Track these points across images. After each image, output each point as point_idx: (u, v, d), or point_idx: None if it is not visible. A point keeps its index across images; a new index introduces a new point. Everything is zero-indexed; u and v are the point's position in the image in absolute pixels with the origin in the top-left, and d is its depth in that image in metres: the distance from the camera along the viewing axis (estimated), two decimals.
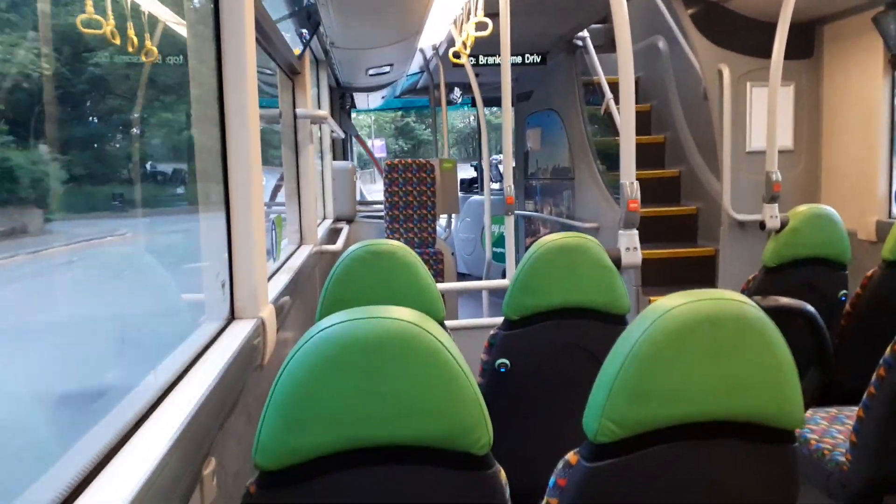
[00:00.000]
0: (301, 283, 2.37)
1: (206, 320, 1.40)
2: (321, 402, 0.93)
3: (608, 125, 4.94)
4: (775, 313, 1.12)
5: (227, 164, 1.46)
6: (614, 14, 2.23)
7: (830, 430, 2.04)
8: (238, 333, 1.35)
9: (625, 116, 2.22)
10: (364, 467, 0.97)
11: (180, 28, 1.91)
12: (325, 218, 4.28)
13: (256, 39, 1.69)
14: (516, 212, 4.75)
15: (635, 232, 2.17)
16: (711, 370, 1.01)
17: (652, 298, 4.11)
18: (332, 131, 4.14)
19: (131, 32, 2.04)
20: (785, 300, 1.73)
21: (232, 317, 1.46)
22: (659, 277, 4.22)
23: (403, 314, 0.97)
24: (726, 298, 1.02)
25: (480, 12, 3.12)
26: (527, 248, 6.35)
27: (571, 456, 1.07)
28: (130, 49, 1.97)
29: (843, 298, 2.55)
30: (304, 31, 2.71)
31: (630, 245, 2.12)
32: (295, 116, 2.81)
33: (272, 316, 1.56)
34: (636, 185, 2.15)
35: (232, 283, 1.47)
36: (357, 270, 1.73)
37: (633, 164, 2.17)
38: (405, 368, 0.94)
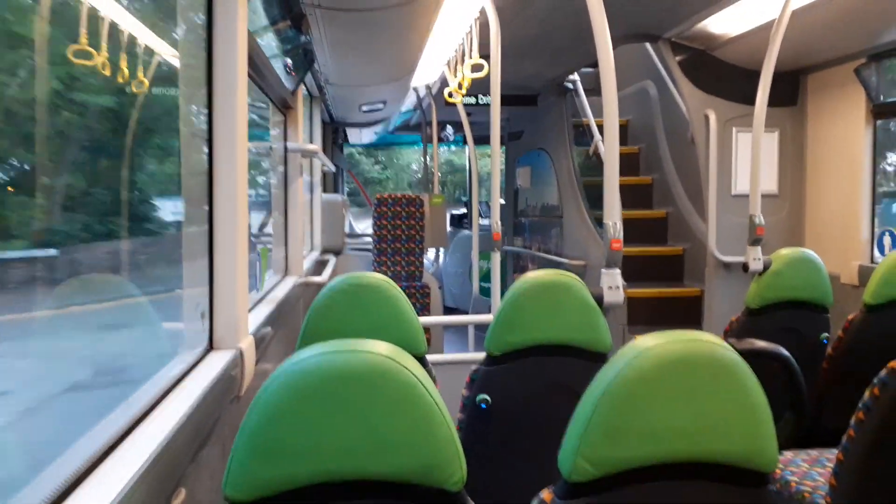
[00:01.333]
0: (284, 314, 2.37)
1: (184, 350, 1.40)
2: (293, 434, 0.93)
3: (597, 166, 5.01)
4: (751, 356, 1.13)
5: (213, 195, 1.47)
6: (600, 59, 2.29)
7: (811, 472, 2.04)
8: (215, 364, 1.35)
9: (609, 158, 2.25)
10: (336, 502, 0.96)
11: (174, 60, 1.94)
12: (312, 249, 4.28)
13: (249, 75, 1.71)
14: (504, 248, 4.78)
15: (618, 271, 2.18)
16: (685, 411, 1.01)
17: (638, 337, 4.11)
18: (324, 165, 4.18)
19: (123, 65, 2.06)
20: (760, 343, 1.74)
21: (210, 347, 1.46)
22: (645, 316, 4.24)
23: (379, 348, 0.97)
24: (701, 340, 1.03)
25: (475, 54, 3.18)
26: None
27: (546, 494, 1.07)
28: (121, 80, 2.00)
29: (825, 341, 2.57)
30: (298, 68, 2.76)
31: (612, 284, 2.14)
32: (286, 150, 2.84)
33: (251, 347, 1.56)
34: (619, 225, 2.18)
35: (212, 314, 1.47)
36: (339, 302, 1.73)
37: (617, 204, 2.20)
38: (379, 402, 0.93)
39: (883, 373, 1.70)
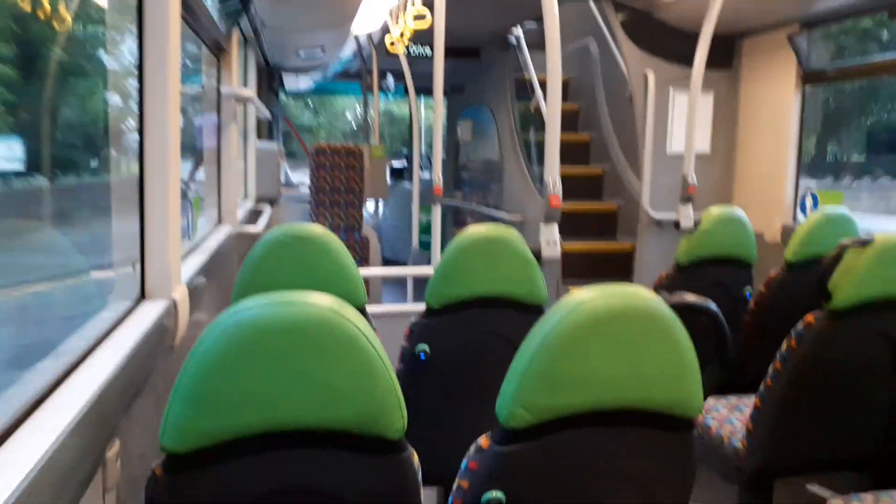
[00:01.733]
0: (218, 265, 2.32)
1: (114, 299, 1.36)
2: (233, 385, 0.92)
3: (537, 122, 5.03)
4: (681, 309, 1.18)
5: (143, 140, 1.41)
6: (545, 14, 2.28)
7: (730, 417, 2.16)
8: (148, 314, 1.32)
9: (551, 114, 2.26)
10: (275, 451, 0.96)
11: None
12: (246, 198, 4.18)
13: (181, 16, 1.63)
14: (444, 202, 4.79)
15: (555, 226, 2.22)
16: (618, 361, 1.06)
17: (572, 289, 4.22)
18: (259, 112, 4.05)
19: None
20: (690, 297, 1.81)
21: (142, 296, 1.42)
22: (579, 270, 4.34)
23: (321, 300, 0.97)
24: (634, 294, 1.07)
25: (419, 2, 3.11)
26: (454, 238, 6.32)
27: (483, 440, 1.10)
28: (41, 16, 1.87)
29: (748, 296, 2.70)
30: (233, 9, 2.64)
31: (550, 239, 2.17)
32: (219, 94, 2.73)
33: (185, 297, 1.52)
34: (559, 181, 2.21)
35: (143, 262, 1.43)
36: (276, 254, 1.70)
37: (556, 161, 2.22)
38: (321, 354, 0.93)
39: (799, 326, 1.80)
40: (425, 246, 4.81)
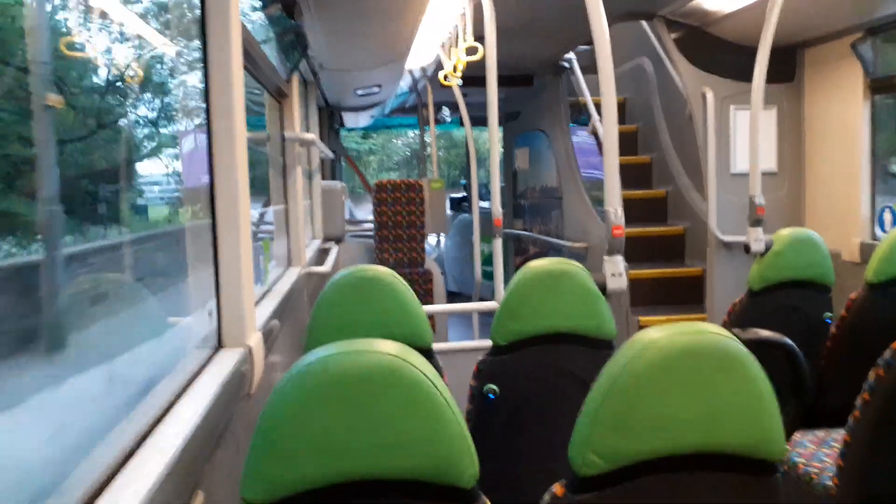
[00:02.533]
0: (290, 307, 2.37)
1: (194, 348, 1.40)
2: (307, 435, 0.93)
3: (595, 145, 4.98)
4: (756, 345, 1.14)
5: (214, 189, 1.46)
6: (595, 39, 2.26)
7: (818, 453, 2.05)
8: (225, 362, 1.35)
9: (609, 141, 2.24)
10: (349, 501, 0.97)
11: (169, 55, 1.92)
12: (313, 238, 4.27)
13: (244, 66, 1.70)
14: (504, 231, 4.78)
15: (620, 258, 2.18)
16: (693, 402, 1.02)
17: (641, 318, 4.13)
18: (322, 152, 4.15)
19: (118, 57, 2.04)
20: (765, 333, 1.75)
21: (219, 345, 1.46)
22: (648, 297, 4.25)
23: (388, 347, 0.97)
24: (707, 332, 1.04)
25: (470, 37, 3.15)
26: (516, 267, 6.33)
27: (557, 488, 1.08)
28: (115, 72, 1.98)
29: (828, 321, 2.58)
30: (292, 55, 2.73)
31: (615, 271, 2.13)
32: (283, 139, 2.82)
33: (259, 343, 1.56)
34: (620, 211, 2.17)
35: (219, 311, 1.47)
36: (344, 296, 1.74)
37: (617, 189, 2.19)
38: (389, 402, 0.94)
39: (887, 354, 1.70)
40: (489, 276, 4.80)
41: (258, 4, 2.38)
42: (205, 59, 1.45)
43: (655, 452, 1.03)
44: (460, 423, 0.98)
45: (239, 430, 1.44)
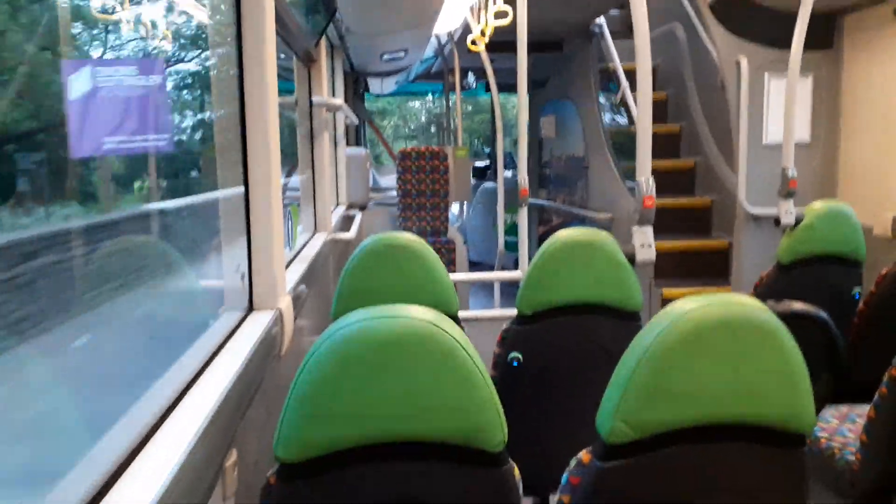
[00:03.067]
0: (316, 272, 2.39)
1: (225, 310, 1.42)
2: (341, 397, 0.95)
3: (624, 114, 4.91)
4: (789, 318, 1.13)
5: (246, 154, 1.47)
6: (632, 3, 2.21)
7: (841, 428, 2.04)
8: (257, 324, 1.37)
9: (642, 110, 2.20)
10: (381, 462, 0.99)
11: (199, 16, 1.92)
12: (338, 205, 4.29)
13: (276, 31, 1.69)
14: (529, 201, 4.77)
15: (650, 229, 2.17)
16: (724, 374, 1.02)
17: (665, 291, 4.11)
18: (347, 117, 4.14)
19: (146, 18, 2.03)
20: (798, 305, 1.73)
21: (251, 308, 1.48)
22: (672, 270, 4.21)
23: (420, 313, 0.99)
24: (740, 303, 1.03)
25: (500, 0, 3.10)
26: (539, 237, 6.31)
27: (584, 455, 1.09)
28: (144, 34, 1.98)
29: (857, 296, 2.54)
30: (321, 18, 2.70)
31: (644, 242, 2.12)
32: (311, 104, 2.81)
33: (290, 306, 1.58)
34: (652, 181, 2.15)
35: (251, 274, 1.49)
36: (372, 263, 1.75)
37: (649, 160, 2.16)
38: (422, 366, 0.96)
39: None
40: (511, 247, 4.79)
41: None
42: (238, 23, 1.44)
43: (684, 422, 1.04)
44: (490, 390, 0.99)
45: (269, 391, 1.47)
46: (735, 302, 1.03)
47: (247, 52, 1.45)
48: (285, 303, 1.54)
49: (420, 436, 0.97)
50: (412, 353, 0.95)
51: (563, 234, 1.81)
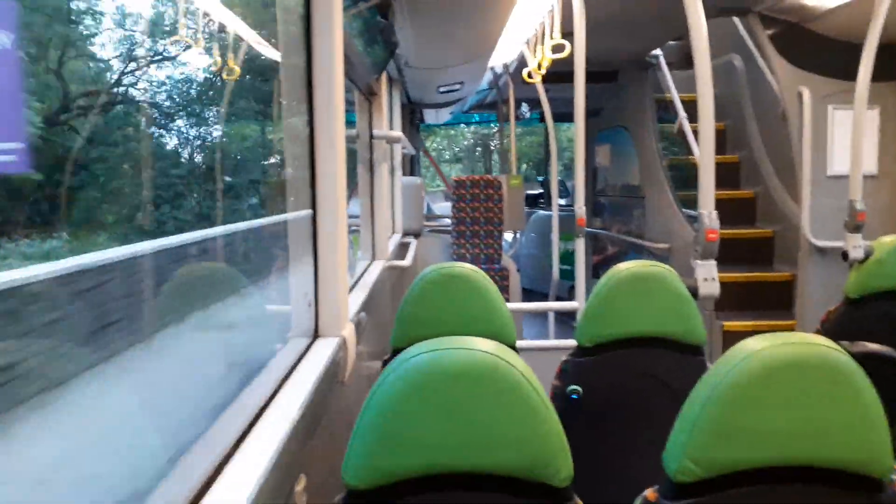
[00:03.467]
0: (374, 299, 2.43)
1: (293, 336, 1.46)
2: (409, 426, 0.97)
3: (680, 144, 4.86)
4: (864, 358, 1.10)
5: (315, 185, 1.52)
6: (692, 35, 2.21)
7: None
8: (323, 351, 1.41)
9: (704, 145, 2.18)
10: (446, 493, 1.00)
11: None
12: (393, 233, 4.36)
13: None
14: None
15: (713, 262, 2.13)
16: (796, 414, 1.00)
17: (725, 324, 4.01)
18: (404, 148, 4.22)
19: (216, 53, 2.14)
20: (873, 346, 1.68)
21: (316, 334, 1.52)
22: (733, 302, 4.11)
23: (487, 345, 1.00)
24: (814, 343, 1.02)
25: (557, 34, 3.14)
26: (593, 266, 6.21)
27: (650, 493, 1.07)
28: (214, 68, 2.09)
29: None
30: (382, 54, 2.79)
31: (708, 276, 2.09)
32: (371, 136, 2.88)
33: (352, 333, 1.61)
34: (715, 214, 2.12)
35: (317, 302, 1.53)
36: (432, 292, 1.77)
37: (712, 192, 2.13)
38: (489, 399, 0.97)
39: None
40: (564, 276, 4.76)
41: (354, 12, 2.44)
42: (308, 62, 1.51)
43: (755, 462, 1.02)
44: (556, 424, 0.99)
45: (332, 416, 1.50)
46: (808, 342, 1.02)
47: (316, 89, 1.52)
48: (349, 330, 1.57)
49: (486, 468, 0.98)
50: (479, 385, 0.97)
51: (625, 267, 1.80)
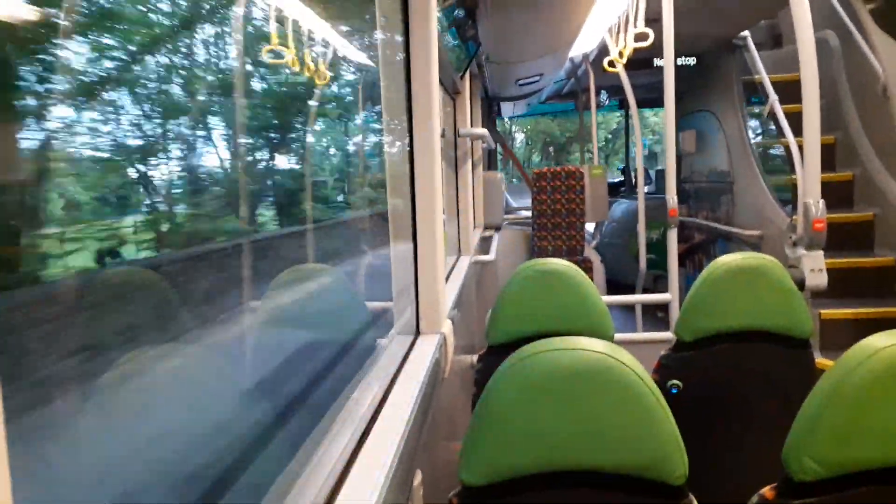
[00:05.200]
0: (465, 294, 2.47)
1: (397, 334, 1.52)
2: (524, 424, 0.99)
3: (769, 127, 4.67)
4: None
5: (414, 186, 1.57)
6: (794, 8, 2.12)
7: None
8: (426, 349, 1.45)
9: (809, 127, 2.09)
10: (562, 490, 1.02)
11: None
12: (475, 227, 4.39)
13: None
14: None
15: (821, 253, 2.05)
16: None
17: (823, 312, 3.85)
18: (485, 143, 4.24)
19: (308, 61, 2.22)
20: None
21: (418, 332, 1.57)
22: (831, 290, 3.93)
23: (598, 346, 1.02)
24: None
25: (641, 22, 3.08)
26: (680, 255, 6.07)
27: (768, 491, 1.06)
28: (308, 74, 2.18)
29: None
30: (466, 53, 2.81)
31: (815, 266, 2.01)
32: (456, 134, 2.92)
33: (450, 330, 1.65)
34: (822, 203, 2.04)
35: (417, 300, 1.58)
36: (528, 288, 1.79)
37: (818, 180, 2.05)
38: (602, 398, 0.98)
39: None
40: (650, 265, 4.67)
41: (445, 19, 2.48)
42: (407, 67, 1.55)
43: (878, 463, 0.99)
44: (671, 422, 1.00)
45: (436, 413, 1.54)
46: None
47: (415, 93, 1.56)
48: (447, 327, 1.61)
49: (602, 466, 1.00)
50: (595, 385, 0.98)
51: (727, 259, 1.76)
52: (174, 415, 0.92)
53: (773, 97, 4.28)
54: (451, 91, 2.82)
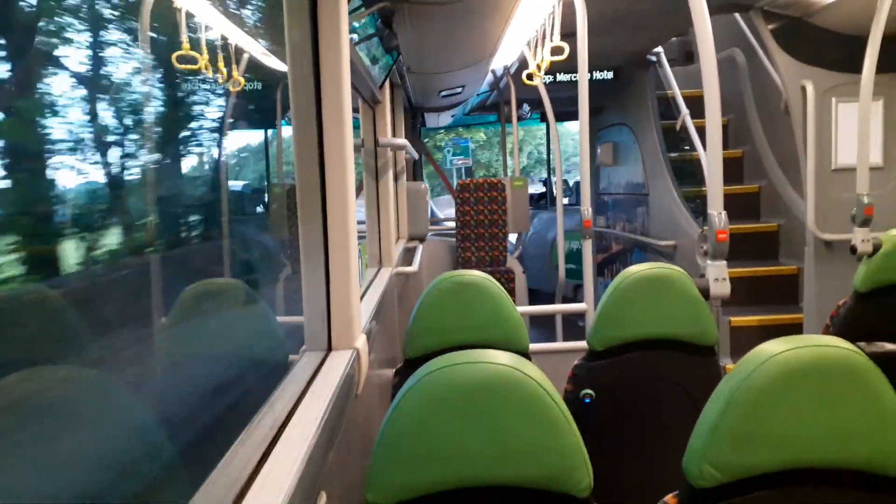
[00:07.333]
0: (385, 308, 2.43)
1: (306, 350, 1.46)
2: (430, 442, 0.97)
3: (681, 141, 4.86)
4: (882, 359, 1.10)
5: (325, 196, 1.52)
6: (697, 31, 2.21)
7: None
8: (337, 365, 1.41)
9: (711, 141, 2.18)
10: None
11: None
12: (398, 238, 4.35)
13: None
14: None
15: (724, 262, 2.13)
16: (816, 417, 1.00)
17: (732, 319, 4.01)
18: (407, 154, 4.22)
19: (221, 65, 2.15)
20: (890, 346, 1.67)
21: (329, 348, 1.52)
22: (738, 297, 4.11)
23: (503, 358, 1.00)
24: (832, 345, 1.02)
25: (557, 36, 3.14)
26: (598, 265, 6.23)
27: (670, 499, 1.08)
28: (221, 80, 2.10)
29: None
30: (385, 62, 2.79)
31: (719, 276, 2.09)
32: (376, 144, 2.89)
33: (365, 345, 1.61)
34: (724, 214, 2.12)
35: (329, 315, 1.53)
36: (443, 300, 1.78)
37: (720, 192, 2.13)
38: (508, 411, 0.97)
39: None
40: (570, 275, 4.76)
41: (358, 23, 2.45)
42: (316, 73, 1.51)
43: (775, 466, 1.02)
44: (575, 434, 0.99)
45: (347, 432, 1.50)
46: (826, 344, 1.02)
47: (325, 100, 1.51)
48: (361, 342, 1.57)
49: (507, 481, 0.98)
50: (497, 397, 0.97)
51: (636, 270, 1.80)
52: (52, 444, 0.85)
53: (685, 111, 4.45)
54: (370, 100, 2.79)
